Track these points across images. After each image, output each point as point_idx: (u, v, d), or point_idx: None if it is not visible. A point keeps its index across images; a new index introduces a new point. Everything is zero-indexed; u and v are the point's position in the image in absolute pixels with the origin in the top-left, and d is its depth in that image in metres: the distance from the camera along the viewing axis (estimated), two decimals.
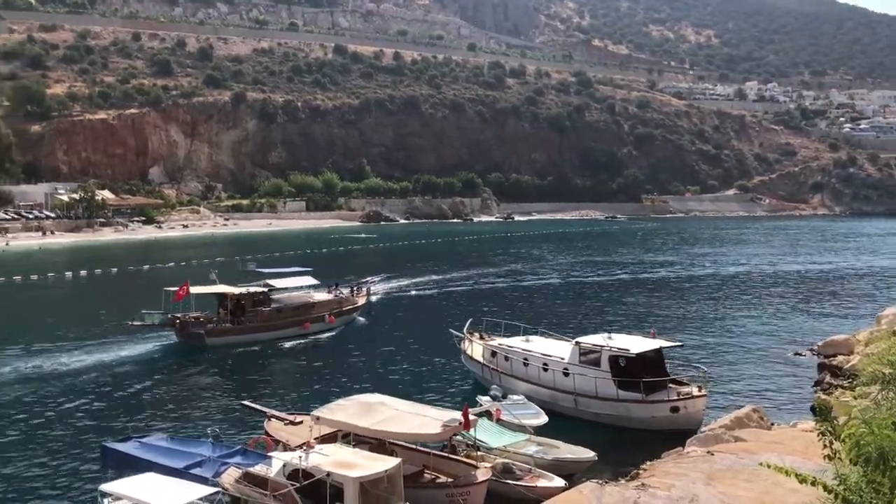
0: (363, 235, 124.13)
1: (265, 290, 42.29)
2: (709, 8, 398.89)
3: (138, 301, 44.89)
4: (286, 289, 43.93)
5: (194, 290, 40.40)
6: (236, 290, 41.30)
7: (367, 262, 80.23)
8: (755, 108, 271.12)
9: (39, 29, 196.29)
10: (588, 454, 21.26)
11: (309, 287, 45.42)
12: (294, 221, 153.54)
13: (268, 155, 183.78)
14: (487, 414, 22.65)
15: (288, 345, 40.00)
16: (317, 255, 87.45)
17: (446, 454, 19.80)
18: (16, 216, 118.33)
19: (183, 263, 76.37)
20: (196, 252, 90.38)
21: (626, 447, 23.77)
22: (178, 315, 39.70)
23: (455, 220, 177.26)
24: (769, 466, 9.31)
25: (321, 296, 45.04)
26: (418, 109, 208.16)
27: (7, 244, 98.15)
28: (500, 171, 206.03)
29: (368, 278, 54.66)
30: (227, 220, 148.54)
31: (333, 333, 42.97)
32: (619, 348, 26.60)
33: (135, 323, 39.49)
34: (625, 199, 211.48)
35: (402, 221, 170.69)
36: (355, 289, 48.69)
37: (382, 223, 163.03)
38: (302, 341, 40.77)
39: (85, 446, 23.94)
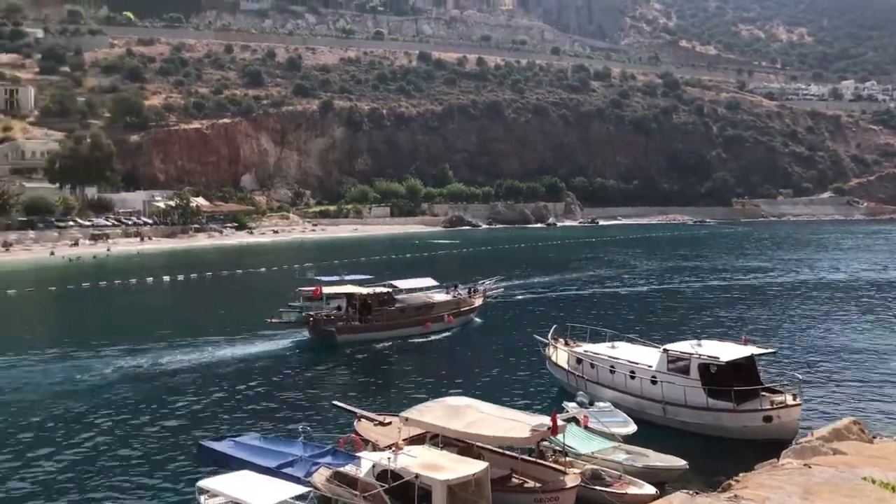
0: (446, 241, 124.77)
1: (389, 290, 44.46)
2: (801, 5, 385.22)
3: (238, 304, 46.65)
4: (409, 290, 46.15)
5: (326, 290, 43.85)
6: (364, 291, 43.55)
7: (451, 268, 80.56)
8: (852, 108, 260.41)
9: (138, 43, 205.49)
10: (679, 463, 20.83)
11: (429, 288, 47.53)
12: (379, 227, 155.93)
13: (354, 162, 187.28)
14: (574, 420, 22.51)
15: (408, 343, 41.54)
16: (401, 261, 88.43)
17: (534, 459, 19.74)
18: (116, 223, 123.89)
19: (275, 268, 78.43)
20: (286, 257, 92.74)
21: (716, 457, 23.22)
22: (312, 313, 42.50)
23: (538, 225, 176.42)
24: (873, 482, 8.97)
25: (441, 297, 46.98)
26: (501, 114, 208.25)
27: (108, 249, 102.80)
28: (585, 174, 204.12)
29: (484, 280, 56.58)
30: (315, 225, 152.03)
31: (452, 333, 44.33)
32: (708, 356, 25.93)
33: (273, 320, 42.73)
34: (714, 202, 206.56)
35: (485, 226, 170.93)
36: (472, 290, 50.20)
37: (465, 228, 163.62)
38: (422, 340, 42.32)
39: (184, 443, 24.86)
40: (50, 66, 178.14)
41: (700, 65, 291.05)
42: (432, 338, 42.78)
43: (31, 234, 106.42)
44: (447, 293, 48.19)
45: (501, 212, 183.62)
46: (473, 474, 16.60)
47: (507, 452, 19.88)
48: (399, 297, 44.97)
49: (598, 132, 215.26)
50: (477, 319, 48.14)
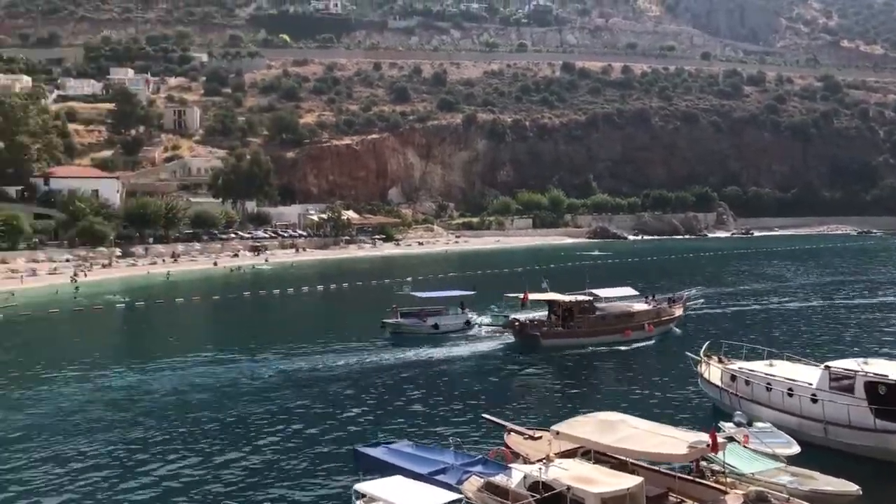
0: (595, 252, 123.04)
1: (590, 298, 45.52)
2: None
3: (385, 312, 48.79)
4: (609, 298, 47.01)
5: (532, 296, 46.37)
6: (566, 298, 44.90)
7: (598, 279, 79.26)
8: None
9: (293, 64, 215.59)
10: (851, 488, 19.57)
11: (630, 297, 48.38)
12: (521, 238, 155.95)
13: (496, 174, 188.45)
14: (734, 439, 21.72)
15: (605, 351, 42.18)
16: (545, 271, 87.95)
17: (693, 478, 19.12)
18: (273, 235, 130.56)
19: (420, 278, 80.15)
20: (431, 268, 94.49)
21: (891, 483, 21.78)
22: (519, 318, 44.78)
23: (687, 236, 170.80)
24: None
25: (640, 306, 47.61)
26: (648, 122, 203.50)
27: (266, 260, 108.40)
28: (737, 183, 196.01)
29: (685, 291, 57.20)
30: (458, 237, 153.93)
31: (651, 342, 44.52)
32: (876, 374, 24.45)
33: (483, 324, 47.15)
34: (881, 211, 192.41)
35: (631, 238, 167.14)
36: (671, 300, 50.61)
37: (610, 240, 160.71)
38: (623, 348, 42.75)
39: (341, 447, 25.80)
40: (213, 87, 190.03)
41: (865, 66, 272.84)
42: (634, 346, 42.97)
43: (197, 245, 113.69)
44: (646, 302, 48.70)
45: (648, 222, 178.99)
46: (628, 489, 16.33)
47: (664, 470, 19.38)
48: (600, 305, 45.76)
49: (752, 139, 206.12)
50: (676, 330, 47.87)
